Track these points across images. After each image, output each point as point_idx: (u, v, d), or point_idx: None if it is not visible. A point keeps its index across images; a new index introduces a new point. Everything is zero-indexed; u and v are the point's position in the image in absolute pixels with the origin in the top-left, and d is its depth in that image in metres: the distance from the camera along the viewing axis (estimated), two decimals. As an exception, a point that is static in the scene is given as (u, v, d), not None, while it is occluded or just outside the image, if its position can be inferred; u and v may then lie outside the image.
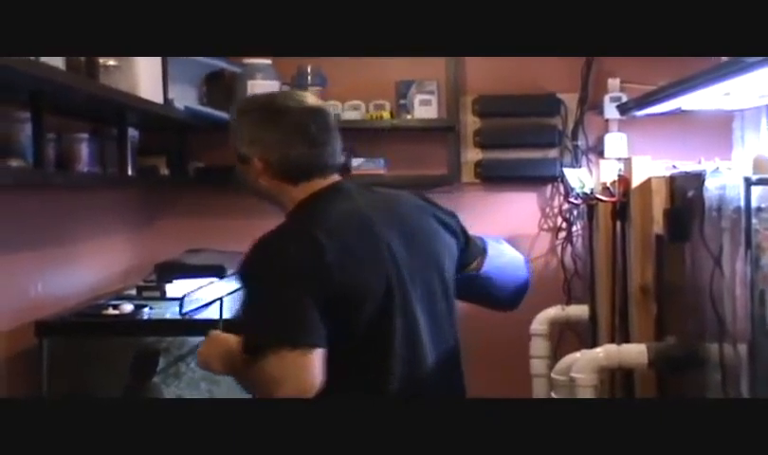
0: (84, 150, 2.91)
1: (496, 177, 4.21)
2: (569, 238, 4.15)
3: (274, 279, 1.81)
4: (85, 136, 2.93)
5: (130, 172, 3.18)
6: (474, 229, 4.10)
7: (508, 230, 4.18)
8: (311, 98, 2.01)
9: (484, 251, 2.15)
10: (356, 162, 4.12)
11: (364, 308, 1.86)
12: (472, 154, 4.21)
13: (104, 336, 2.84)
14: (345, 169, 4.08)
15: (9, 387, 2.66)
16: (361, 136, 4.16)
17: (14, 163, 2.48)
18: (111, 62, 2.69)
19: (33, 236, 2.84)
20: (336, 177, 1.99)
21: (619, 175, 2.98)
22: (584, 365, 2.76)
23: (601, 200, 3.13)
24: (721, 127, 3.51)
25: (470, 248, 2.14)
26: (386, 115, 4.13)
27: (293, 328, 1.78)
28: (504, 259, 2.19)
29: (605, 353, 2.76)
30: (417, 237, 2.00)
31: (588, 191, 3.40)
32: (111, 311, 2.89)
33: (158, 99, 2.99)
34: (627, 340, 2.91)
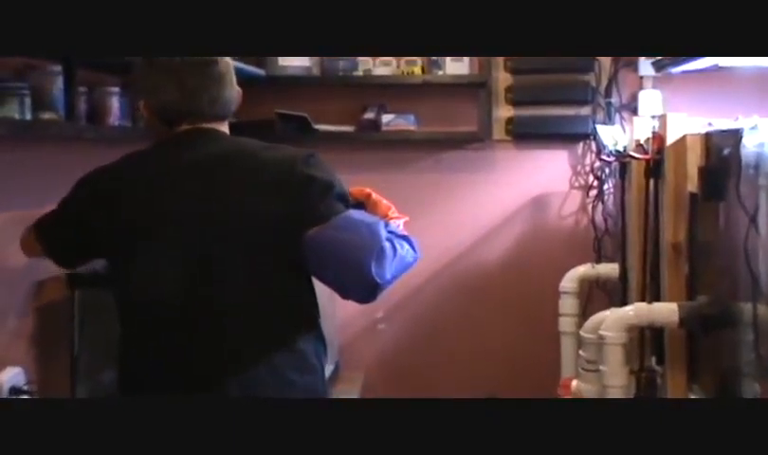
0: (115, 104, 2.91)
1: (527, 134, 4.18)
2: (600, 196, 4.13)
3: (72, 190, 2.12)
4: (116, 89, 2.92)
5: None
6: (504, 187, 4.14)
7: (539, 188, 4.18)
8: None
9: (324, 220, 1.87)
10: (386, 118, 4.11)
11: (120, 250, 2.00)
12: (504, 111, 4.18)
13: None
14: (373, 124, 4.08)
15: (43, 336, 2.69)
16: (392, 91, 4.15)
17: (46, 116, 2.48)
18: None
19: (65, 190, 2.85)
20: (207, 125, 2.01)
21: (653, 133, 2.94)
22: (613, 323, 2.75)
23: (634, 158, 3.09)
24: (759, 84, 3.46)
25: (312, 213, 1.88)
26: (417, 70, 4.11)
27: (46, 221, 2.16)
28: (349, 236, 1.85)
29: (635, 311, 2.75)
30: (218, 198, 1.92)
31: (621, 149, 3.36)
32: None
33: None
34: (657, 299, 2.88)
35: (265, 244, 1.90)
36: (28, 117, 2.35)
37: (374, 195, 2.09)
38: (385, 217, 2.03)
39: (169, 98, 1.99)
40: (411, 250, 1.94)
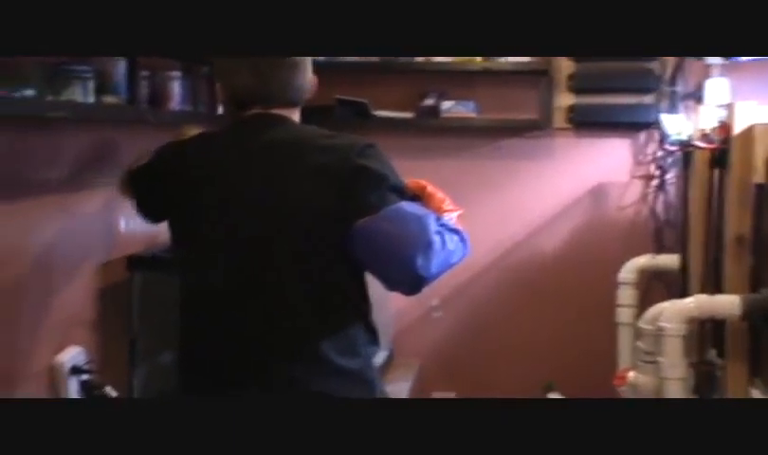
0: (176, 88, 2.94)
1: (588, 123, 4.13)
2: (661, 186, 4.06)
3: (152, 156, 2.14)
4: (178, 74, 2.95)
5: (220, 111, 3.20)
6: (563, 176, 4.10)
7: (598, 177, 4.13)
8: None
9: (374, 210, 1.84)
10: (445, 105, 4.09)
11: (178, 225, 2.05)
12: (565, 99, 4.13)
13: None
14: (432, 111, 4.07)
15: (103, 318, 2.73)
16: (452, 78, 4.12)
17: (109, 99, 2.51)
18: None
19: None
20: (277, 110, 2.02)
21: (720, 122, 2.89)
22: (673, 314, 2.72)
23: (699, 147, 3.05)
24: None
25: (363, 203, 1.86)
26: (478, 57, 4.08)
27: (134, 173, 2.20)
28: (396, 228, 1.83)
29: (696, 302, 2.71)
30: (274, 183, 1.92)
31: (685, 138, 3.31)
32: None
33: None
34: (719, 291, 2.84)
35: (315, 231, 1.90)
36: (91, 100, 2.38)
37: (429, 188, 2.06)
38: (438, 210, 2.00)
39: (242, 81, 2.00)
40: (460, 245, 1.92)
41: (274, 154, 1.94)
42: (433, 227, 1.84)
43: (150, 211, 2.22)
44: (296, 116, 2.06)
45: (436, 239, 1.82)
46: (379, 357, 2.11)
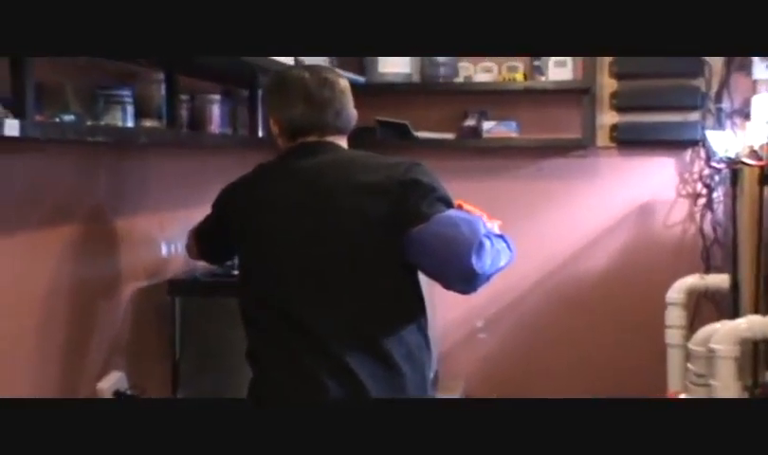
0: (216, 111, 2.93)
1: (632, 141, 4.08)
2: (709, 204, 3.99)
3: (215, 199, 2.30)
4: (217, 97, 2.95)
5: (260, 134, 3.20)
6: (608, 195, 4.04)
7: (644, 196, 4.08)
8: (322, 69, 2.21)
9: (426, 218, 1.97)
10: (487, 125, 4.06)
11: (243, 251, 2.19)
12: (608, 118, 4.09)
13: (233, 296, 2.86)
14: (474, 131, 4.04)
15: (144, 342, 2.72)
16: (493, 98, 4.11)
17: (148, 123, 2.51)
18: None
19: (167, 196, 2.89)
20: (329, 137, 2.14)
21: (768, 138, 2.84)
22: (725, 335, 2.66)
23: (747, 164, 2.98)
24: None
25: (416, 212, 1.98)
26: (519, 77, 4.05)
27: (198, 225, 2.38)
28: (450, 231, 1.94)
29: (748, 323, 2.65)
30: (329, 201, 2.05)
31: (732, 156, 3.25)
32: (241, 271, 2.90)
33: (289, 61, 2.99)
34: (772, 312, 2.77)
35: (371, 242, 2.03)
36: (131, 124, 2.38)
37: (465, 205, 2.14)
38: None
39: (298, 112, 2.12)
40: (506, 248, 2.04)
41: (328, 175, 2.08)
42: (482, 229, 1.97)
43: (217, 256, 2.46)
44: (344, 142, 2.20)
45: (486, 240, 1.95)
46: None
